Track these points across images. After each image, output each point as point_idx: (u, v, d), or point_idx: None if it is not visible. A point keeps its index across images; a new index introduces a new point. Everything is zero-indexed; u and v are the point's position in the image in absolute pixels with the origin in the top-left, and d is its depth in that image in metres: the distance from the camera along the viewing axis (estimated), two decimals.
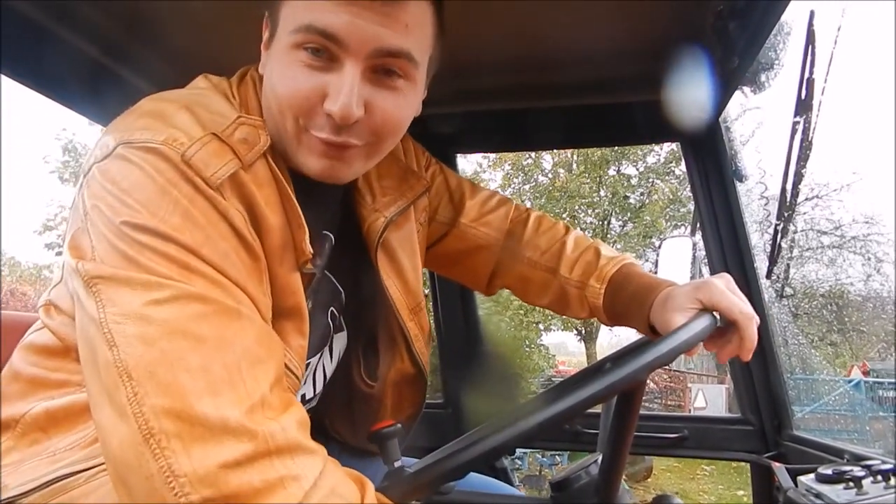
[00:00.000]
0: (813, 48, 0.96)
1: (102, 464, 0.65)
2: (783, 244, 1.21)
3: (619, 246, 13.12)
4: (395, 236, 0.89)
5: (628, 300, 0.89)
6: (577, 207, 12.75)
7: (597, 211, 13.01)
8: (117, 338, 0.54)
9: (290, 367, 0.71)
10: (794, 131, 1.02)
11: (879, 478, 0.79)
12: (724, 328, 0.78)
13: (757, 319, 0.77)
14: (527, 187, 13.19)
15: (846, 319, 13.09)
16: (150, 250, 0.57)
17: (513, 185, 13.28)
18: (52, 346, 0.73)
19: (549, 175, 12.63)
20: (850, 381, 10.31)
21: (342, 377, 0.94)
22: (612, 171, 12.37)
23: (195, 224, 0.59)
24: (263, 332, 0.61)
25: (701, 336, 0.68)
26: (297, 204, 0.69)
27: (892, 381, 10.16)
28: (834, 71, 1.00)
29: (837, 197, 12.49)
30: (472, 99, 1.47)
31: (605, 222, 13.10)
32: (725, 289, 0.77)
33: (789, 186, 1.11)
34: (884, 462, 0.82)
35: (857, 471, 0.80)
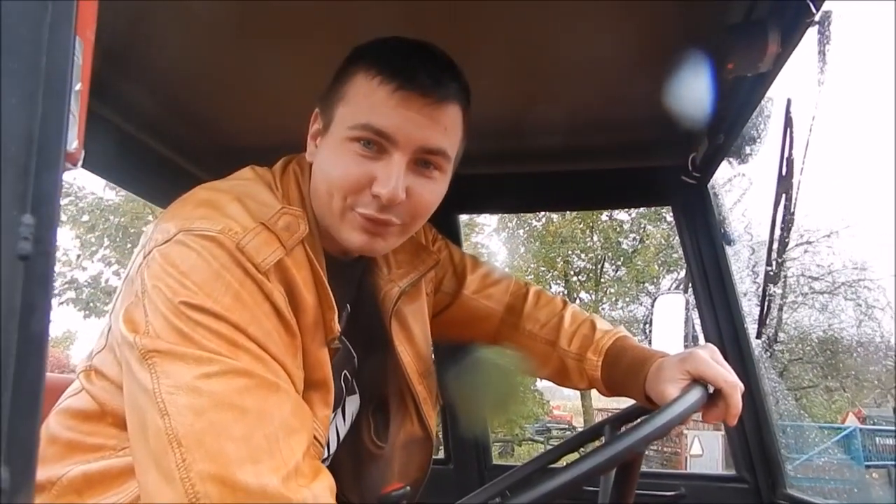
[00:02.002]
0: (791, 130, 1.04)
1: None
2: (772, 307, 1.27)
3: (612, 290, 13.19)
4: (408, 305, 0.98)
5: (625, 372, 0.94)
6: (570, 252, 12.86)
7: (590, 256, 13.12)
8: (170, 407, 0.60)
9: (317, 435, 0.77)
10: (776, 205, 1.09)
11: None
12: (712, 395, 0.83)
13: (741, 387, 0.82)
14: (521, 231, 13.32)
15: (840, 365, 13.09)
16: (204, 328, 0.63)
17: (508, 229, 13.42)
18: (90, 410, 0.78)
19: (543, 220, 12.77)
20: (844, 429, 10.25)
21: (352, 439, 0.99)
22: (604, 217, 12.52)
23: (244, 305, 0.66)
24: (298, 405, 0.68)
25: (693, 408, 0.73)
26: (328, 286, 0.77)
27: (890, 428, 10.09)
28: (812, 148, 1.08)
29: (827, 243, 12.68)
30: (473, 163, 1.54)
31: (599, 267, 13.19)
32: (710, 359, 0.83)
33: (775, 254, 1.18)
34: None
35: None
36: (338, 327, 0.78)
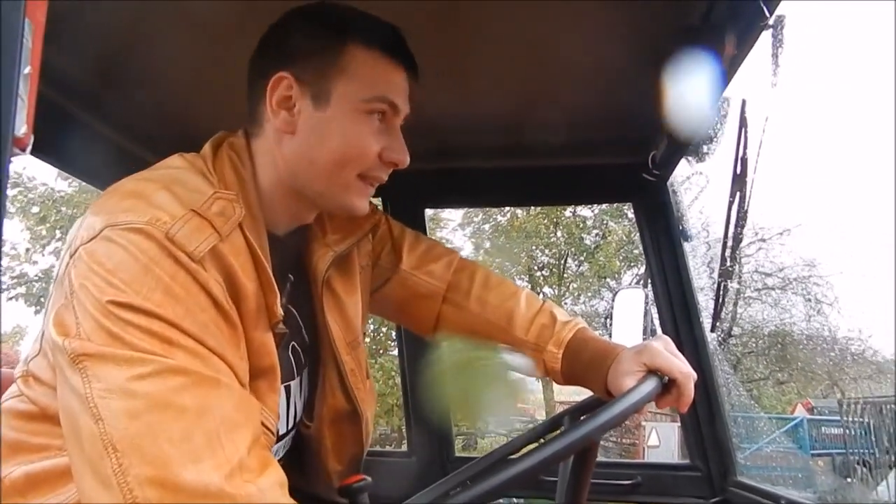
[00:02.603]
0: (745, 130, 1.07)
1: None
2: (726, 302, 1.31)
3: (575, 285, 13.40)
4: (339, 273, 0.96)
5: (586, 366, 0.95)
6: (534, 247, 13.00)
7: (553, 251, 13.29)
8: (103, 412, 0.58)
9: (266, 424, 0.76)
10: (731, 203, 1.12)
11: None
12: (666, 384, 0.86)
13: (694, 376, 0.86)
14: (486, 226, 13.40)
15: (790, 358, 13.60)
16: (134, 327, 0.61)
17: (473, 224, 13.47)
18: (32, 411, 0.75)
19: (507, 215, 12.87)
20: (792, 419, 10.67)
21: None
22: (567, 213, 12.70)
23: (176, 299, 0.64)
24: (241, 398, 0.66)
25: (648, 398, 0.76)
26: (269, 270, 0.75)
27: (836, 418, 10.54)
28: (766, 148, 1.12)
29: (780, 240, 13.14)
30: (440, 158, 1.55)
31: (562, 262, 13.38)
32: (665, 350, 0.86)
33: (729, 250, 1.22)
34: None
35: None
36: (280, 312, 0.76)
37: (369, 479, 0.87)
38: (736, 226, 1.19)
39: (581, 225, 12.95)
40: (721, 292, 1.29)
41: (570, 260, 13.42)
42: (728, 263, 1.24)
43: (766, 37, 0.93)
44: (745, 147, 1.07)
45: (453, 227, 13.39)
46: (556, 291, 13.25)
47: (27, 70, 0.35)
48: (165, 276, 0.64)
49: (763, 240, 12.78)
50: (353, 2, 0.92)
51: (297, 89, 0.80)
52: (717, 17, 0.95)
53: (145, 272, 0.63)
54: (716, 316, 1.36)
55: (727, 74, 1.02)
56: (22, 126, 0.35)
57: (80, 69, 1.20)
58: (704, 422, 1.45)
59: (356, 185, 0.83)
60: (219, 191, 0.74)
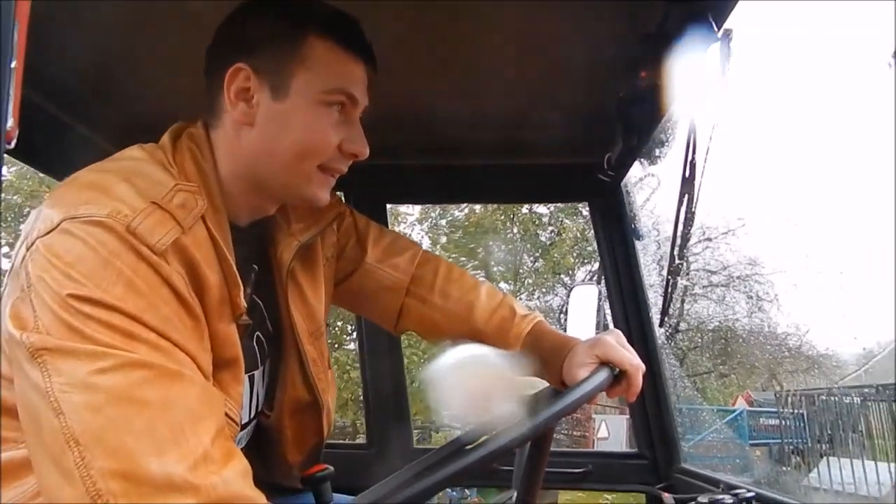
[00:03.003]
0: (694, 136, 1.14)
1: None
2: (674, 298, 1.38)
3: (530, 280, 13.60)
4: (303, 264, 0.97)
5: (543, 357, 0.99)
6: (490, 243, 13.12)
7: (510, 247, 13.45)
8: (64, 406, 0.58)
9: (230, 415, 0.77)
10: (679, 204, 1.19)
11: None
12: (617, 375, 0.91)
13: (643, 368, 0.91)
14: (443, 221, 13.44)
15: (733, 352, 14.17)
16: (95, 321, 0.60)
17: (430, 219, 13.50)
18: None
19: (465, 210, 12.95)
20: (734, 411, 11.14)
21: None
22: (524, 210, 12.87)
23: (138, 292, 0.64)
24: (204, 390, 0.66)
25: (600, 388, 0.81)
26: (231, 262, 0.76)
27: (773, 410, 11.06)
28: (714, 152, 1.18)
29: (725, 240, 13.66)
30: (402, 153, 1.57)
31: (518, 258, 13.55)
32: (616, 343, 0.91)
33: (677, 249, 1.28)
34: (748, 491, 0.97)
35: (727, 499, 0.94)
36: (244, 304, 0.77)
37: (332, 468, 0.89)
38: (684, 226, 1.25)
39: (537, 221, 13.15)
40: (669, 290, 1.36)
41: (525, 256, 13.62)
42: (676, 262, 1.30)
43: (715, 48, 0.99)
44: (693, 151, 1.13)
45: (412, 221, 13.38)
46: (512, 286, 13.43)
47: (13, 64, 0.36)
48: (127, 269, 0.64)
49: (709, 239, 13.27)
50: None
51: (256, 81, 0.80)
52: (671, 28, 1.00)
53: (105, 266, 0.63)
54: (664, 312, 1.43)
55: (678, 81, 1.08)
56: (8, 120, 0.36)
57: (64, 73, 1.19)
58: (652, 413, 1.52)
59: (317, 177, 0.84)
60: (180, 183, 0.74)
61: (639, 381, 0.90)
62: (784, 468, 9.43)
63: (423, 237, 13.15)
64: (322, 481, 0.89)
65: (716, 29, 0.94)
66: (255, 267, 0.91)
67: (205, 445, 0.60)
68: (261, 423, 0.98)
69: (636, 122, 1.26)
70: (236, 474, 0.62)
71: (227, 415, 0.74)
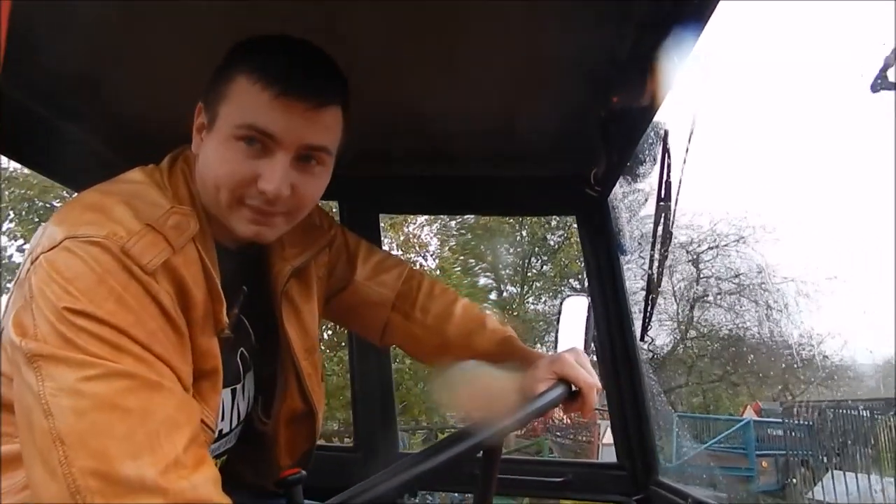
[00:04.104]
0: (668, 158, 1.16)
1: None
2: (652, 313, 1.40)
3: (538, 284, 13.60)
4: (298, 284, 1.02)
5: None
6: (498, 246, 13.13)
7: (518, 250, 13.45)
8: (53, 409, 0.63)
9: (207, 422, 0.82)
10: (655, 224, 1.21)
11: None
12: (574, 392, 0.95)
13: (598, 386, 0.95)
14: (453, 223, 13.47)
15: (744, 361, 14.04)
16: (86, 333, 0.66)
17: (440, 220, 13.53)
18: None
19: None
20: (740, 421, 11.04)
21: (247, 418, 1.03)
22: None
23: (127, 308, 0.69)
24: (182, 401, 0.71)
25: (554, 403, 0.85)
26: (217, 281, 0.81)
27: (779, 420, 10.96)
28: (689, 172, 1.21)
29: (735, 247, 13.56)
30: (394, 164, 1.61)
31: (526, 261, 13.55)
32: (575, 362, 0.95)
33: (655, 267, 1.31)
34: None
35: None
36: (226, 320, 0.83)
37: (304, 472, 0.93)
38: (661, 246, 1.28)
39: (546, 225, 13.14)
40: (648, 306, 1.38)
41: (533, 259, 13.61)
42: (654, 279, 1.33)
43: (688, 71, 1.01)
44: (668, 173, 1.15)
45: (421, 222, 13.43)
46: (520, 290, 13.44)
47: None
48: (118, 286, 0.70)
49: (718, 246, 13.19)
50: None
51: (203, 116, 0.86)
52: (643, 52, 1.03)
53: (100, 283, 0.69)
54: (644, 327, 1.45)
55: (653, 103, 1.10)
56: None
57: (53, 73, 1.22)
58: (632, 425, 1.55)
59: (237, 211, 0.84)
60: (175, 206, 0.80)
61: (592, 398, 0.94)
62: (791, 480, 9.35)
63: (431, 239, 13.18)
64: (293, 484, 0.93)
65: (686, 52, 0.96)
66: (245, 288, 0.96)
67: (177, 452, 0.65)
68: (256, 429, 1.04)
69: (615, 141, 1.30)
70: (205, 480, 0.67)
71: (203, 422, 0.80)
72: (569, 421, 12.05)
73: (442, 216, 13.24)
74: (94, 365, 0.65)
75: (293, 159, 0.82)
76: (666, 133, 1.14)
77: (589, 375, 0.94)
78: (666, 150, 1.14)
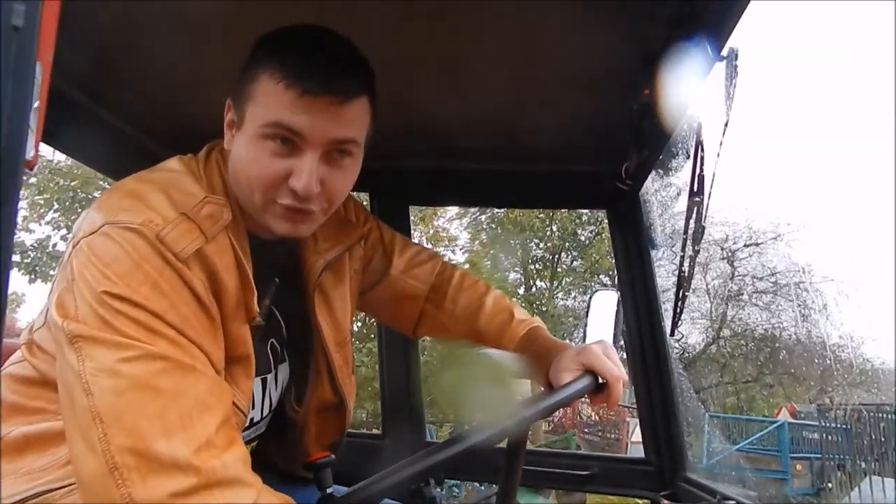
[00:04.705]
0: (702, 151, 1.15)
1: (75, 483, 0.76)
2: (684, 308, 1.39)
3: (567, 279, 13.49)
4: (331, 278, 1.04)
5: (533, 360, 1.04)
6: (528, 241, 13.07)
7: (548, 245, 13.36)
8: (93, 388, 0.67)
9: (239, 405, 0.85)
10: (687, 219, 1.20)
11: None
12: (600, 384, 0.94)
13: (625, 379, 0.94)
14: (483, 217, 13.46)
15: (779, 361, 13.73)
16: (123, 316, 0.70)
17: (470, 214, 13.53)
18: (33, 377, 0.85)
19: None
20: (774, 422, 10.79)
21: (279, 406, 1.07)
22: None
23: (162, 293, 0.72)
24: (214, 383, 0.74)
25: (579, 394, 0.85)
26: (248, 270, 0.84)
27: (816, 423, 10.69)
28: (722, 166, 1.19)
29: (773, 245, 13.23)
30: (426, 157, 1.63)
31: (556, 256, 13.46)
32: (602, 354, 0.94)
33: (687, 262, 1.29)
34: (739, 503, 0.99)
35: None
36: (256, 308, 0.85)
37: (333, 456, 0.95)
38: (693, 241, 1.26)
39: (577, 220, 13.02)
40: (679, 302, 1.37)
41: (563, 255, 13.50)
42: (686, 274, 1.31)
43: (720, 66, 1.00)
44: (701, 166, 1.14)
45: (451, 216, 13.45)
46: (549, 285, 13.35)
47: (36, 104, 0.43)
48: (154, 272, 0.73)
49: (757, 244, 12.88)
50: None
51: (232, 113, 0.87)
52: (676, 46, 1.02)
53: (136, 268, 0.72)
54: (674, 323, 1.44)
55: (687, 97, 1.09)
56: (31, 151, 0.43)
57: (89, 61, 1.26)
58: (660, 420, 1.54)
59: (271, 209, 0.84)
60: (209, 196, 0.83)
61: (619, 390, 0.93)
62: (825, 484, 9.12)
63: (461, 233, 13.19)
64: (323, 468, 0.95)
65: (718, 48, 0.95)
66: (277, 280, 0.98)
67: (209, 432, 0.69)
68: (288, 416, 1.07)
69: (647, 135, 1.28)
70: (236, 459, 0.70)
71: (234, 405, 0.83)
72: (597, 417, 11.97)
73: (472, 210, 13.27)
74: (130, 347, 0.68)
75: (322, 155, 0.82)
76: (700, 126, 1.13)
77: (615, 367, 0.93)
78: (700, 143, 1.12)
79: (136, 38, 1.21)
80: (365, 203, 1.93)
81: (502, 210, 13.02)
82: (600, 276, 12.92)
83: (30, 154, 0.42)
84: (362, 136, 0.87)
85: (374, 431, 1.83)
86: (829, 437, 9.44)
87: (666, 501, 1.26)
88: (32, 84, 0.42)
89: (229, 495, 0.66)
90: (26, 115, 0.41)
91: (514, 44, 1.16)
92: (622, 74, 1.16)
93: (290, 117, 0.79)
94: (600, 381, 0.92)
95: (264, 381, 1.00)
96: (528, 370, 1.06)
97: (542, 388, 1.03)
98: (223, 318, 0.80)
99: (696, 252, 1.30)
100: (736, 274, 13.24)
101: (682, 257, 1.32)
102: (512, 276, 13.37)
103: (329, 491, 0.88)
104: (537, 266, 13.63)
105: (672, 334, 1.51)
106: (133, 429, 0.65)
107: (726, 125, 1.09)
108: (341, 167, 0.86)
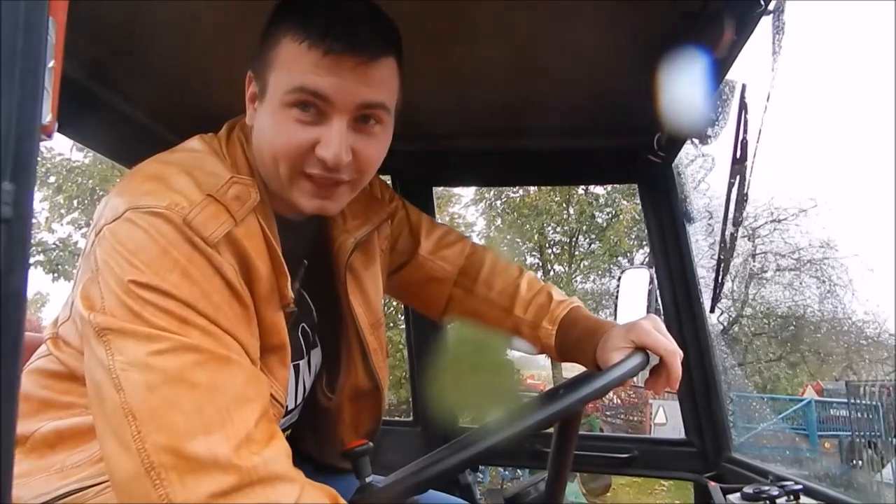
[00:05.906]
0: (745, 114, 1.09)
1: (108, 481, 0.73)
2: (724, 283, 1.33)
3: (586, 263, 13.38)
4: (361, 258, 0.99)
5: (577, 341, 0.99)
6: (545, 224, 12.97)
7: (565, 228, 13.25)
8: (124, 383, 0.63)
9: (276, 396, 0.81)
10: (730, 186, 1.14)
11: (792, 497, 0.91)
12: (656, 365, 0.89)
13: (680, 354, 0.88)
14: (498, 203, 13.37)
15: (804, 339, 13.55)
16: (153, 306, 0.65)
17: (486, 199, 13.45)
18: (61, 371, 0.81)
19: (520, 191, 12.81)
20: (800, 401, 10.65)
21: (310, 394, 1.02)
22: (580, 190, 12.62)
23: (192, 281, 0.68)
24: (251, 374, 0.70)
25: (632, 372, 0.79)
26: (280, 253, 0.79)
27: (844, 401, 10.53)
28: (768, 131, 1.13)
29: (795, 221, 13.00)
30: (449, 138, 1.58)
31: (573, 240, 13.34)
32: (653, 329, 0.88)
33: (728, 233, 1.24)
34: (796, 483, 0.94)
35: (774, 491, 0.92)
36: (291, 294, 0.80)
37: (371, 444, 0.92)
38: (735, 210, 1.20)
39: (593, 203, 12.88)
40: (720, 275, 1.31)
41: (581, 238, 13.38)
42: (727, 246, 1.26)
43: (766, 22, 0.94)
44: (745, 131, 1.08)
45: (466, 202, 13.39)
46: (567, 269, 13.24)
47: (51, 64, 0.39)
48: (182, 258, 0.68)
49: (778, 220, 12.65)
50: None
51: (254, 85, 0.83)
52: (716, 4, 0.95)
53: (164, 254, 0.67)
54: (715, 298, 1.38)
55: (727, 60, 1.03)
56: (47, 115, 0.39)
57: (103, 50, 1.23)
58: (701, 400, 1.49)
59: (297, 182, 0.80)
60: (236, 176, 0.78)
61: (677, 366, 0.87)
62: (855, 462, 8.99)
63: (477, 218, 13.12)
64: (361, 455, 0.92)
65: (763, 4, 0.89)
66: (305, 262, 0.94)
67: (248, 427, 0.64)
68: (321, 405, 1.03)
69: (683, 103, 1.22)
70: (277, 454, 0.65)
71: (272, 397, 0.79)
72: (619, 401, 11.91)
73: (487, 196, 13.19)
74: (161, 339, 0.64)
75: (350, 121, 0.77)
76: (744, 87, 1.06)
77: (670, 342, 0.87)
78: (743, 106, 1.06)
79: (150, 26, 1.17)
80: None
81: (518, 194, 12.94)
82: (618, 259, 12.79)
83: (46, 118, 0.38)
84: (392, 101, 0.82)
85: (404, 419, 1.80)
86: (859, 415, 9.27)
87: (713, 484, 1.21)
88: (46, 40, 0.38)
89: (271, 493, 0.62)
90: (41, 74, 0.37)
91: (537, 14, 1.10)
92: (655, 38, 1.10)
93: (314, 80, 0.74)
94: (651, 358, 0.87)
95: (297, 368, 0.95)
96: (569, 352, 1.01)
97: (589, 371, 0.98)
98: (256, 306, 0.76)
99: (740, 222, 1.24)
100: (757, 252, 13.05)
101: (724, 229, 1.26)
102: (529, 260, 13.29)
103: (368, 480, 0.84)
104: (555, 250, 13.53)
105: (712, 310, 1.46)
106: (169, 426, 0.61)
107: (773, 83, 1.03)
108: (371, 135, 0.80)
